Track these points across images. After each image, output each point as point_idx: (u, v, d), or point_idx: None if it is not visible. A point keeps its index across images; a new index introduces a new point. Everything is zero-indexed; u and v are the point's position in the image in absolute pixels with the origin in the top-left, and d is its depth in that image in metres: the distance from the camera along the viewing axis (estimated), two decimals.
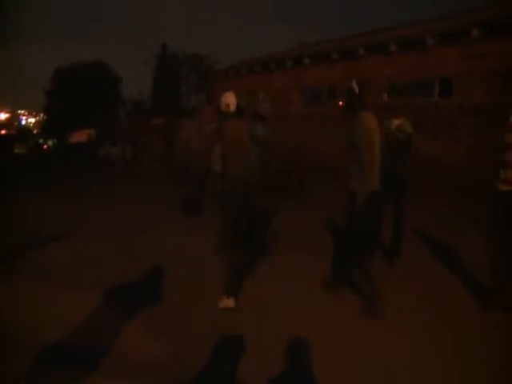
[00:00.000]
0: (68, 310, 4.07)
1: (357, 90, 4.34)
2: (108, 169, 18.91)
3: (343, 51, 12.01)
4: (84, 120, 44.20)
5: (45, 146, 64.75)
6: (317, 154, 12.12)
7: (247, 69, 16.28)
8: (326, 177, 11.23)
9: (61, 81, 54.03)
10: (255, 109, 5.79)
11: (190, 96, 43.17)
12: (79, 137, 42.67)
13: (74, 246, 6.35)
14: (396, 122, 5.47)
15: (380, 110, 5.02)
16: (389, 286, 4.62)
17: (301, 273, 5.17)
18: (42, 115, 71.67)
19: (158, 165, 18.85)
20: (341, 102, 4.66)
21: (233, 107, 4.49)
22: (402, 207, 5.54)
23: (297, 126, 13.31)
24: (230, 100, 4.53)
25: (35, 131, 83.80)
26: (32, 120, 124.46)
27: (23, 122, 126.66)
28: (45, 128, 71.67)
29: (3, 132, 67.78)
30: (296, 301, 4.47)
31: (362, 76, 11.12)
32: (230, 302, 4.27)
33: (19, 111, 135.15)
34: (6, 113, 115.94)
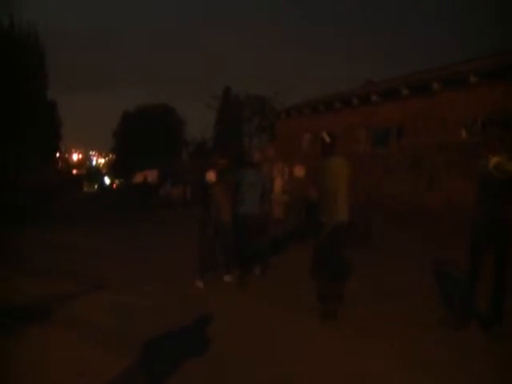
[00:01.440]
0: None
1: (327, 139, 5.17)
2: (167, 210, 18.71)
3: (415, 86, 11.15)
4: (148, 161, 45.43)
5: (114, 185, 67.22)
6: (386, 197, 11.17)
7: (311, 108, 15.74)
8: (396, 223, 10.26)
9: (127, 123, 56.29)
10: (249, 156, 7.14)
11: (252, 137, 43.33)
12: (143, 177, 43.83)
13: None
14: (494, 160, 4.53)
15: (458, 149, 4.33)
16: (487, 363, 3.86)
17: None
18: (110, 156, 74.73)
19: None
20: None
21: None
22: (502, 265, 4.54)
23: (364, 167, 12.46)
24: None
25: (104, 171, 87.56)
26: (102, 160, 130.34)
27: (94, 163, 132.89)
28: (112, 168, 74.70)
29: (75, 172, 71.34)
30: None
31: (436, 112, 10.22)
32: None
33: (90, 152, 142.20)
34: (78, 154, 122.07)
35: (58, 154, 49.11)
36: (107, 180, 76.15)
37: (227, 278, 6.72)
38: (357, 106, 13.33)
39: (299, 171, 9.46)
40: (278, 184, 11.41)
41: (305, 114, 16.13)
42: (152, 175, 40.85)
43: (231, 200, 6.88)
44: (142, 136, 50.63)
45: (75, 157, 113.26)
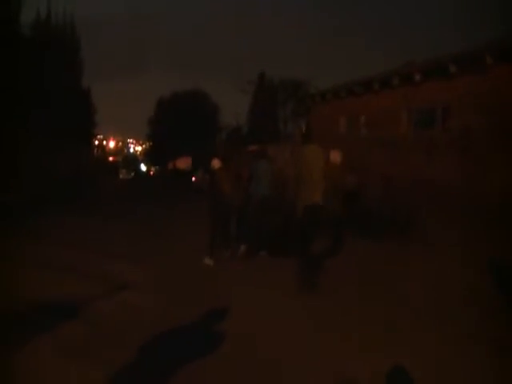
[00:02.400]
0: None
1: (304, 129, 7.17)
2: (199, 196, 18.20)
3: (464, 62, 10.18)
4: (183, 147, 45.37)
5: (151, 172, 67.77)
6: (431, 184, 10.32)
7: (347, 90, 14.86)
8: (443, 213, 9.43)
9: (163, 110, 56.46)
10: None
11: (287, 122, 42.52)
12: (178, 164, 43.81)
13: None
14: None
15: None
16: None
17: None
18: (147, 143, 75.38)
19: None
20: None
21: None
22: None
23: (406, 152, 11.58)
24: None
25: (141, 158, 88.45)
26: (139, 148, 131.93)
27: (131, 150, 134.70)
28: (148, 155, 75.29)
29: (111, 159, 72.23)
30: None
31: (490, 89, 9.27)
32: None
33: (128, 140, 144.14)
34: (115, 141, 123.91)
35: (95, 142, 49.62)
36: (143, 167, 76.83)
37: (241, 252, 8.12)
38: (397, 86, 12.39)
39: (335, 157, 8.75)
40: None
41: (341, 97, 15.27)
42: (186, 162, 40.75)
43: (238, 184, 8.16)
44: (177, 122, 50.69)
45: (112, 144, 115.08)
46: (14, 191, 15.64)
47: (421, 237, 9.01)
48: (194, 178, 27.44)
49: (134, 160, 71.39)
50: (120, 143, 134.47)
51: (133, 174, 53.43)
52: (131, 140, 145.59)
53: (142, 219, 12.97)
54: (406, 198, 10.64)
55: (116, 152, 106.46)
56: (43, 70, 24.85)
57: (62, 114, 25.33)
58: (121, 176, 53.47)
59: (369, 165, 12.31)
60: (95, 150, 54.23)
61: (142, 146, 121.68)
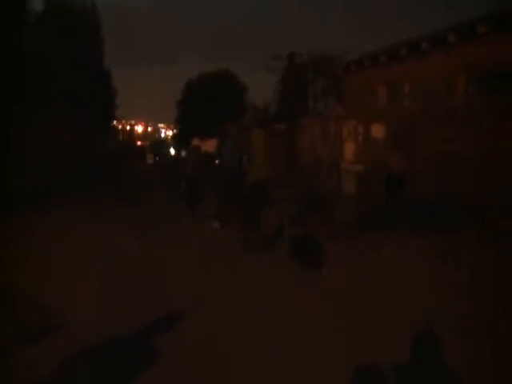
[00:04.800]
0: None
1: (257, 114, 6.48)
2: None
3: None
4: (212, 129, 43.78)
5: (174, 155, 66.34)
6: (503, 164, 8.16)
7: (388, 55, 12.65)
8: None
9: (191, 92, 55.05)
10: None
11: (317, 100, 40.17)
12: (204, 146, 42.14)
13: None
14: None
15: None
16: None
17: None
18: (178, 127, 74.30)
19: (277, 176, 16.28)
20: None
21: None
22: None
23: (465, 125, 9.38)
24: None
25: (170, 142, 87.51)
26: (170, 133, 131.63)
27: (162, 135, 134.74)
28: (176, 139, 74.09)
29: (139, 143, 71.44)
30: None
31: None
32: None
33: (159, 125, 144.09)
34: (143, 126, 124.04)
35: (119, 126, 48.61)
36: (172, 151, 75.93)
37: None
38: (453, 44, 10.13)
39: (378, 130, 6.70)
40: (350, 149, 8.79)
41: (381, 63, 13.07)
42: (213, 144, 39.06)
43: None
44: (205, 104, 49.27)
45: (140, 129, 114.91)
46: (21, 177, 14.27)
47: (491, 234, 6.97)
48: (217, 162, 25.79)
49: (161, 144, 70.31)
50: (150, 128, 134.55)
51: (157, 158, 52.19)
52: (162, 125, 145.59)
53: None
54: (469, 182, 8.52)
55: (146, 137, 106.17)
56: (59, 49, 23.68)
57: (78, 94, 24.03)
58: (148, 161, 52.46)
59: (416, 142, 10.14)
60: (120, 134, 53.32)
61: (172, 130, 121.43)
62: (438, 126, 9.86)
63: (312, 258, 5.77)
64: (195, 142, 11.63)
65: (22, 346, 3.64)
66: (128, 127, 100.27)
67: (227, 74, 53.47)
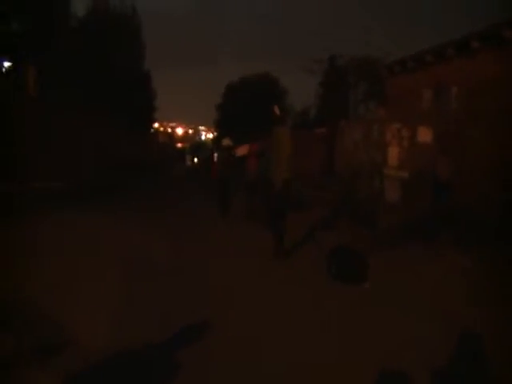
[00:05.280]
0: None
1: (277, 112, 6.91)
2: None
3: None
4: (252, 133, 43.57)
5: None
6: None
7: (435, 55, 11.99)
8: None
9: (231, 96, 55.13)
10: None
11: (358, 104, 39.28)
12: (244, 150, 41.99)
13: None
14: None
15: None
16: None
17: None
18: (219, 130, 74.73)
19: (315, 181, 15.82)
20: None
21: None
22: None
23: None
24: None
25: (210, 145, 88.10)
26: (210, 135, 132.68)
27: (203, 137, 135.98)
28: (216, 142, 74.48)
29: (180, 145, 72.19)
30: None
31: None
32: None
33: (200, 127, 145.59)
34: (183, 128, 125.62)
35: (161, 128, 49.11)
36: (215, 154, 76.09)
37: None
38: (509, 41, 9.39)
39: (425, 134, 6.20)
40: (394, 153, 8.30)
41: (426, 63, 12.40)
42: (244, 149, 38.75)
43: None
44: (246, 107, 49.18)
45: (180, 131, 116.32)
46: (55, 180, 14.34)
47: None
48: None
49: (200, 146, 71.00)
50: (191, 130, 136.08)
51: (195, 159, 52.49)
52: (203, 127, 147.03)
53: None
54: None
55: (186, 139, 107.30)
56: (100, 52, 24.11)
57: (118, 97, 24.35)
58: (188, 163, 52.83)
59: (466, 147, 9.45)
60: (160, 137, 53.96)
61: (213, 133, 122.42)
62: (490, 129, 9.16)
63: (353, 272, 5.31)
64: (226, 141, 11.59)
65: (24, 366, 3.29)
66: (169, 129, 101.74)
67: (267, 78, 53.29)
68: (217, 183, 11.21)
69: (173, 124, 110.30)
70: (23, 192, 11.81)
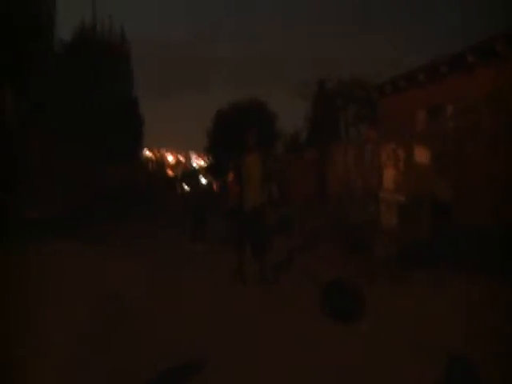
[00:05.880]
0: None
1: (252, 137, 7.46)
2: None
3: None
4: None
5: (214, 187, 65.74)
6: None
7: (429, 73, 11.56)
8: None
9: (220, 122, 54.87)
10: None
11: (348, 127, 39.02)
12: (230, 178, 41.30)
13: None
14: None
15: None
16: None
17: None
18: (210, 157, 74.49)
19: (306, 209, 15.24)
20: None
21: None
22: None
23: None
24: None
25: (202, 172, 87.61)
26: (201, 162, 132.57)
27: (194, 164, 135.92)
28: (209, 168, 73.96)
29: (170, 173, 71.45)
30: None
31: None
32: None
33: (191, 153, 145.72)
34: (173, 155, 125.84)
35: (152, 155, 48.57)
36: (204, 181, 75.57)
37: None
38: (505, 55, 8.94)
39: (422, 155, 5.68)
40: (389, 176, 7.72)
41: (420, 82, 11.97)
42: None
43: None
44: (237, 133, 48.83)
45: (170, 158, 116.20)
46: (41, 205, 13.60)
47: None
48: None
49: (191, 174, 70.70)
50: (182, 158, 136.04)
51: (188, 188, 51.98)
52: (194, 154, 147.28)
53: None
54: None
55: (177, 166, 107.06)
56: (85, 79, 23.78)
57: (102, 123, 23.86)
58: (179, 191, 52.05)
59: (465, 167, 8.86)
60: (149, 164, 53.48)
61: (203, 159, 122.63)
62: (490, 146, 8.60)
63: (349, 310, 4.63)
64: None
65: None
66: (160, 157, 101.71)
67: (256, 103, 53.17)
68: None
69: (163, 151, 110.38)
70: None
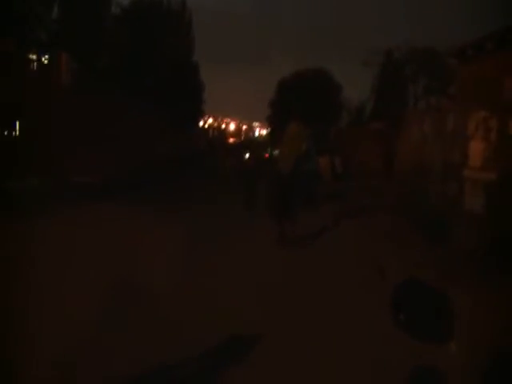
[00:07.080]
0: None
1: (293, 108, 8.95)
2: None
3: None
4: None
5: (266, 155, 65.49)
6: None
7: None
8: None
9: (284, 92, 53.80)
10: None
11: (418, 100, 36.64)
12: None
13: None
14: None
15: None
16: None
17: None
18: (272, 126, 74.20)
19: (373, 181, 14.15)
20: None
21: None
22: None
23: None
24: None
25: (262, 141, 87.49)
26: (264, 132, 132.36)
27: (256, 134, 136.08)
28: (269, 138, 73.59)
29: (231, 140, 71.82)
30: None
31: None
32: None
33: (254, 123, 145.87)
34: (235, 123, 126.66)
35: (215, 123, 48.57)
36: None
37: None
38: None
39: None
40: (477, 150, 6.61)
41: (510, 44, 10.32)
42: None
43: None
44: (299, 103, 47.71)
45: (232, 126, 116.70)
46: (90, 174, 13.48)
47: None
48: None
49: (253, 143, 71.02)
50: (245, 126, 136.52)
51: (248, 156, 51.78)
52: (256, 123, 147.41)
53: None
54: None
55: (239, 134, 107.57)
56: (143, 42, 23.52)
57: (163, 88, 23.59)
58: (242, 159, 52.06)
59: None
60: (210, 131, 53.68)
61: (267, 129, 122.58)
62: None
63: (433, 323, 3.66)
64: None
65: None
66: (223, 125, 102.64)
67: (321, 73, 51.56)
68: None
69: (227, 119, 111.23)
70: (58, 187, 11.35)
